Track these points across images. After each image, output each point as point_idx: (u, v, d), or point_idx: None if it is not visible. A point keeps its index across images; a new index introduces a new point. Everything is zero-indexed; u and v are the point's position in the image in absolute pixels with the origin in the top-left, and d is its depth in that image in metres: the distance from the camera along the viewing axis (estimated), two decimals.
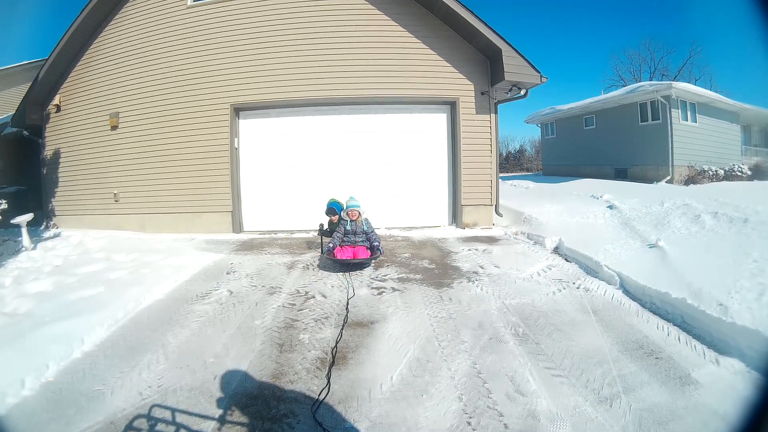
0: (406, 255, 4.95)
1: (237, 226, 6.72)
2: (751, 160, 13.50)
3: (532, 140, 37.05)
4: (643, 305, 3.21)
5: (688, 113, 12.17)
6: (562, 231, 5.35)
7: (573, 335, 2.72)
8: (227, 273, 4.33)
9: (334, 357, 2.49)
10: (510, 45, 6.07)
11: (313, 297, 3.55)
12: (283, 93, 6.52)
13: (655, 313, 3.06)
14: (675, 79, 23.33)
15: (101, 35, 7.28)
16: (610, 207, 6.35)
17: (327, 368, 2.36)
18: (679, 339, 2.63)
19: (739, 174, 11.18)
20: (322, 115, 6.79)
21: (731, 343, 2.43)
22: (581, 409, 1.95)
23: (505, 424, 1.86)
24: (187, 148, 6.69)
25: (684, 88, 11.96)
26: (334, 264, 4.39)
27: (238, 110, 6.77)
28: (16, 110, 7.67)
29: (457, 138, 6.60)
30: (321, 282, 3.96)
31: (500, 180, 7.26)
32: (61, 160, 7.59)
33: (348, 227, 4.54)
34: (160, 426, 1.88)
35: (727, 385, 2.11)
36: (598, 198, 7.36)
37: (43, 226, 7.57)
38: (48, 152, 7.72)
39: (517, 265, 4.36)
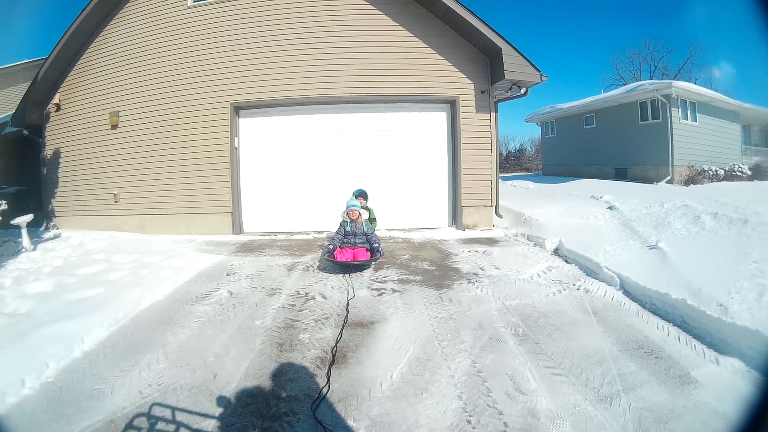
0: (406, 256, 4.95)
1: (237, 228, 6.72)
2: (751, 159, 13.49)
3: (532, 139, 37.16)
4: (643, 306, 3.21)
5: (689, 112, 12.17)
6: (562, 232, 5.35)
7: (573, 335, 2.72)
8: (227, 274, 4.33)
9: (334, 356, 2.49)
10: (510, 44, 6.08)
11: (314, 298, 3.55)
12: (284, 91, 6.53)
13: (655, 313, 3.06)
14: (675, 78, 23.36)
15: (102, 34, 7.29)
16: (610, 208, 6.36)
17: (327, 367, 2.36)
18: (679, 339, 2.63)
19: (739, 174, 11.18)
20: (322, 114, 6.80)
21: (731, 343, 2.43)
22: (581, 408, 1.95)
23: (504, 422, 1.86)
24: (186, 148, 6.70)
25: (684, 87, 11.97)
26: (334, 266, 4.39)
27: (238, 109, 6.78)
28: (16, 109, 7.66)
29: (457, 137, 6.61)
30: (321, 283, 3.96)
31: (500, 180, 7.26)
32: (61, 160, 7.60)
33: (348, 228, 4.55)
34: (160, 424, 1.88)
35: (727, 384, 2.11)
36: (598, 199, 7.37)
37: (43, 227, 7.57)
38: (48, 152, 7.72)
39: (517, 266, 4.36)
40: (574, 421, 1.86)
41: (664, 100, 11.59)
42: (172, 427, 1.87)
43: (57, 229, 7.40)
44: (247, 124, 6.86)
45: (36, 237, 6.38)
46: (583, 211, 6.41)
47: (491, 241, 5.68)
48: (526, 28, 55.97)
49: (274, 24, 6.57)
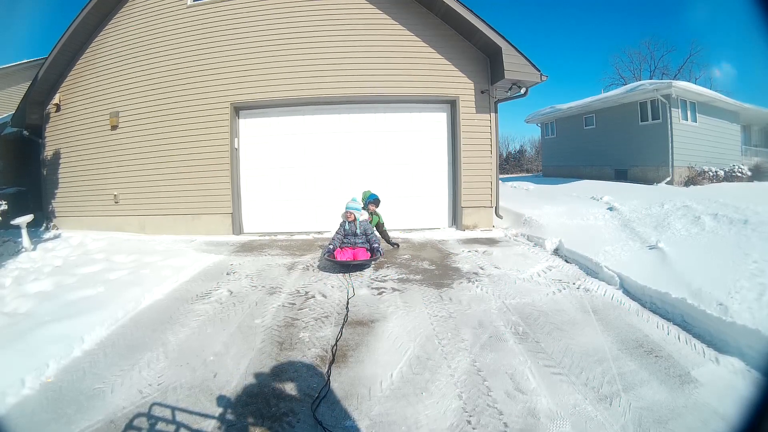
0: (406, 256, 4.96)
1: (237, 228, 6.72)
2: (751, 160, 13.49)
3: (532, 140, 37.15)
4: (643, 305, 3.21)
5: (688, 113, 12.16)
6: (562, 233, 5.35)
7: (573, 334, 2.72)
8: (227, 274, 4.34)
9: (334, 355, 2.49)
10: (510, 43, 6.08)
11: (313, 297, 3.56)
12: (284, 91, 6.54)
13: (655, 312, 3.06)
14: (675, 78, 23.36)
15: (101, 34, 7.30)
16: (610, 209, 6.36)
17: (327, 366, 2.36)
18: (678, 338, 2.63)
19: (740, 175, 11.18)
20: (322, 114, 6.80)
21: (731, 343, 2.44)
22: (581, 408, 1.95)
23: (504, 422, 1.86)
24: (187, 148, 6.70)
25: (684, 87, 11.95)
26: (334, 265, 4.39)
27: (238, 109, 6.78)
28: (16, 110, 7.67)
29: (457, 137, 6.61)
30: (321, 282, 3.96)
31: (500, 181, 7.26)
32: (61, 160, 7.60)
33: (347, 227, 4.56)
34: (160, 424, 1.88)
35: (726, 383, 2.11)
36: (598, 200, 7.37)
37: (43, 227, 7.57)
38: (48, 152, 7.73)
39: (517, 266, 4.37)
40: (574, 420, 1.86)
41: (664, 100, 11.58)
42: (172, 427, 1.86)
43: (57, 229, 7.41)
44: (247, 124, 6.87)
45: (36, 237, 6.38)
46: (583, 212, 6.41)
47: (491, 242, 5.69)
48: (526, 28, 56.05)
49: (273, 24, 6.58)
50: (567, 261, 4.57)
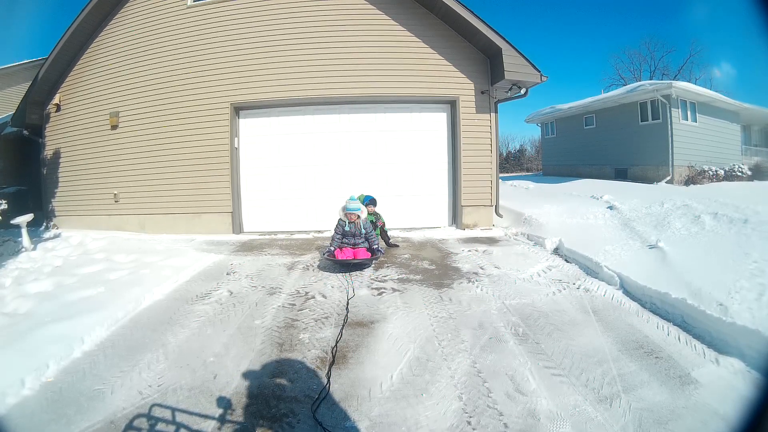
0: (406, 256, 4.95)
1: (237, 227, 6.72)
2: (751, 160, 13.49)
3: (532, 140, 37.14)
4: (643, 305, 3.21)
5: (689, 113, 12.15)
6: (562, 232, 5.35)
7: (573, 335, 2.72)
8: (227, 274, 4.34)
9: (334, 356, 2.49)
10: (510, 44, 6.07)
11: (313, 297, 3.55)
12: (284, 92, 6.53)
13: (655, 313, 3.06)
14: (675, 78, 23.36)
15: (101, 34, 7.29)
16: (610, 208, 6.35)
17: (327, 367, 2.36)
18: (678, 339, 2.63)
19: (739, 174, 11.17)
20: (322, 114, 6.80)
21: (731, 343, 2.43)
22: (581, 409, 1.95)
23: (504, 423, 1.86)
24: (187, 148, 6.70)
25: (684, 87, 11.95)
26: (334, 265, 4.39)
27: (238, 109, 6.78)
28: (16, 109, 7.67)
29: (457, 137, 6.61)
30: (321, 283, 3.96)
31: (500, 180, 7.26)
32: (61, 160, 7.60)
33: (347, 228, 4.54)
34: (160, 425, 1.88)
35: (727, 384, 2.11)
36: (598, 199, 7.37)
37: (43, 227, 7.57)
38: (48, 152, 7.72)
39: (517, 265, 4.37)
40: (574, 421, 1.86)
41: (664, 100, 11.57)
42: (172, 427, 1.86)
43: (57, 228, 7.40)
44: (247, 124, 6.87)
45: (36, 237, 6.38)
46: (583, 211, 6.41)
47: (491, 241, 5.68)
48: (526, 28, 55.96)
49: (273, 25, 6.57)
50: (567, 260, 4.57)
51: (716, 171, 11.12)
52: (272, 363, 2.43)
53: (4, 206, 6.02)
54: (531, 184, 11.51)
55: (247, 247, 5.65)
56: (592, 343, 2.60)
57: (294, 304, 3.39)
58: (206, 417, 1.93)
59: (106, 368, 2.40)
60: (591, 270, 4.10)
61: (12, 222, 5.63)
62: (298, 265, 4.63)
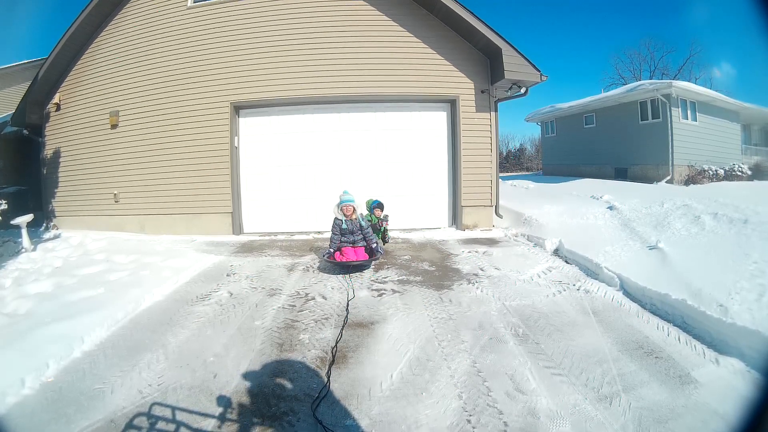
0: (406, 257, 4.95)
1: (237, 228, 6.72)
2: (751, 159, 13.48)
3: (532, 139, 37.08)
4: (643, 306, 3.21)
5: (689, 112, 12.16)
6: (562, 232, 5.35)
7: (573, 335, 2.72)
8: (227, 275, 4.33)
9: (334, 356, 2.49)
10: (510, 44, 6.08)
11: (313, 299, 3.56)
12: (284, 91, 6.53)
13: (655, 314, 3.06)
14: (675, 78, 23.35)
15: (102, 34, 7.29)
16: (610, 208, 6.35)
17: (327, 367, 2.36)
18: (679, 339, 2.63)
19: (740, 174, 11.17)
20: (322, 114, 6.79)
21: (731, 343, 2.43)
22: (581, 408, 1.95)
23: (504, 422, 1.86)
24: (186, 148, 6.70)
25: (684, 86, 11.96)
26: (334, 266, 4.39)
27: (238, 108, 6.78)
28: (16, 109, 7.66)
29: (457, 137, 6.61)
30: (321, 284, 3.96)
31: (500, 180, 7.26)
32: (61, 159, 7.60)
33: (344, 226, 4.51)
34: (160, 424, 1.88)
35: (726, 384, 2.11)
36: (598, 199, 7.37)
37: (43, 227, 7.57)
38: (48, 152, 7.72)
39: (518, 267, 4.36)
40: (574, 420, 1.86)
41: (664, 99, 11.58)
42: (172, 426, 1.87)
43: (57, 229, 7.40)
44: (247, 123, 6.86)
45: (36, 237, 6.38)
46: (583, 211, 6.41)
47: (491, 242, 5.68)
48: (526, 28, 55.94)
49: (274, 24, 6.58)
50: (567, 262, 4.57)
51: (716, 170, 11.12)
52: (272, 363, 2.43)
53: (4, 206, 6.01)
54: (531, 184, 11.50)
55: (247, 248, 5.65)
56: (592, 344, 2.60)
57: (294, 305, 3.39)
58: (206, 415, 1.93)
59: (106, 368, 2.40)
60: (591, 271, 4.10)
61: (12, 222, 5.63)
62: (298, 266, 4.63)
